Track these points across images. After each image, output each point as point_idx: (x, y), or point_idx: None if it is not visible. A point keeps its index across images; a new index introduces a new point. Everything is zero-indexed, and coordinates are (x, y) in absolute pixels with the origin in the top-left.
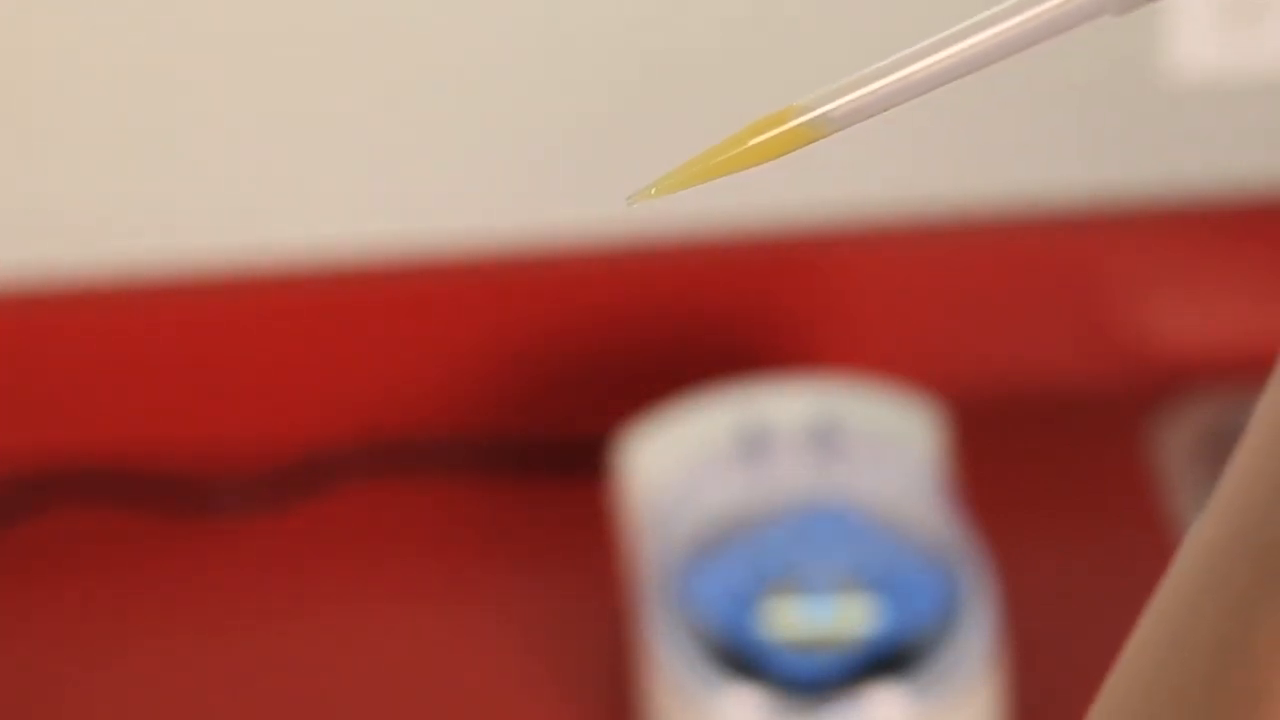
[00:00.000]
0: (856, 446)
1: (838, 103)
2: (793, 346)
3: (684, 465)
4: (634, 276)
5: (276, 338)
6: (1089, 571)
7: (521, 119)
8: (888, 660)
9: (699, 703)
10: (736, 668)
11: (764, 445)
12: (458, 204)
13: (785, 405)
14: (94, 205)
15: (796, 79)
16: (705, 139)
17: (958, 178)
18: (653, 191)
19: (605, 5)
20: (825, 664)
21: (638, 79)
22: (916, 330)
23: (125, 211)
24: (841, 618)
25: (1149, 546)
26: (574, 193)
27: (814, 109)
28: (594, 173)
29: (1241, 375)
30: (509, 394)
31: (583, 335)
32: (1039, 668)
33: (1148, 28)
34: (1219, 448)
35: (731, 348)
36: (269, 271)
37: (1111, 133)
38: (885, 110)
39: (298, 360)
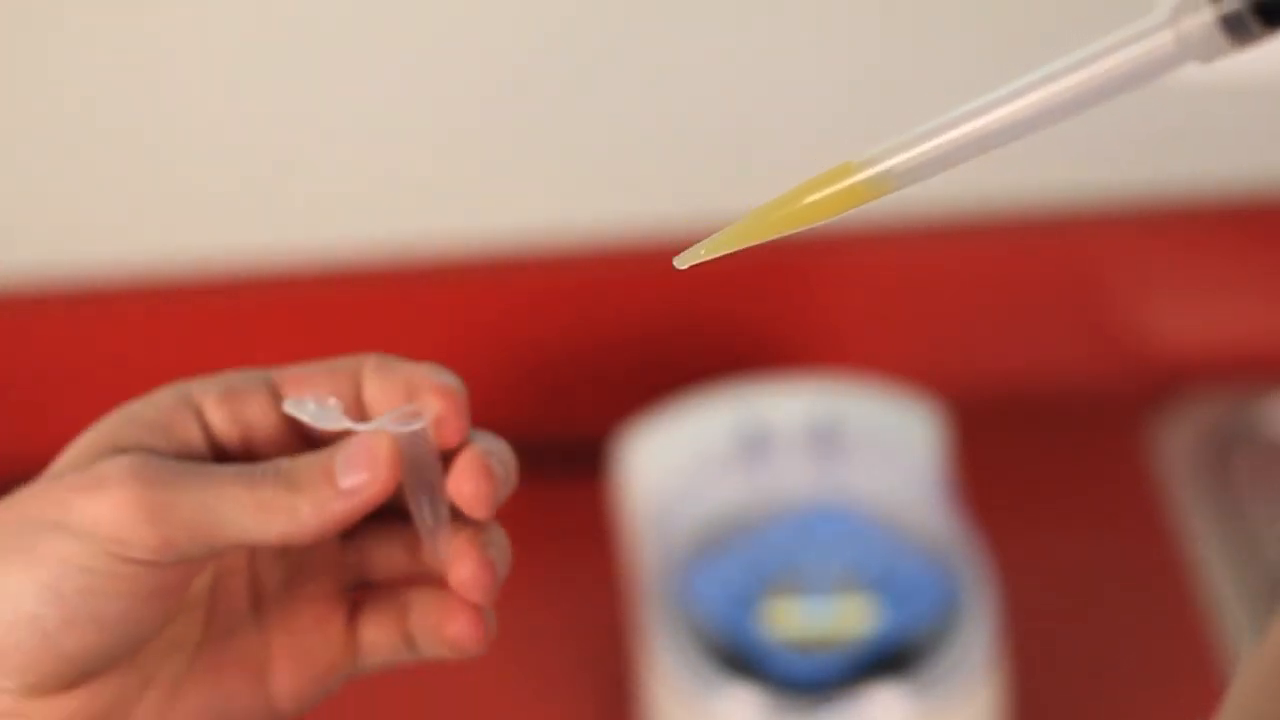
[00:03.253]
0: (856, 446)
1: (899, 159)
2: (793, 346)
3: (684, 465)
4: (634, 278)
5: (277, 338)
6: (1089, 572)
7: (522, 121)
8: (888, 660)
9: (699, 703)
10: (736, 668)
11: (764, 445)
12: (458, 205)
13: (785, 405)
14: (94, 205)
15: (801, 85)
16: (708, 140)
17: (957, 179)
18: (702, 252)
19: (610, 8)
20: (825, 664)
21: (642, 80)
22: (916, 330)
23: (125, 212)
24: (841, 618)
25: (1149, 546)
26: (574, 194)
27: (874, 165)
28: (594, 173)
29: (1241, 375)
30: (510, 394)
31: (583, 336)
32: (1039, 668)
33: None
34: (1219, 448)
35: (731, 348)
36: (269, 271)
37: (1112, 133)
38: (950, 167)
39: (297, 360)
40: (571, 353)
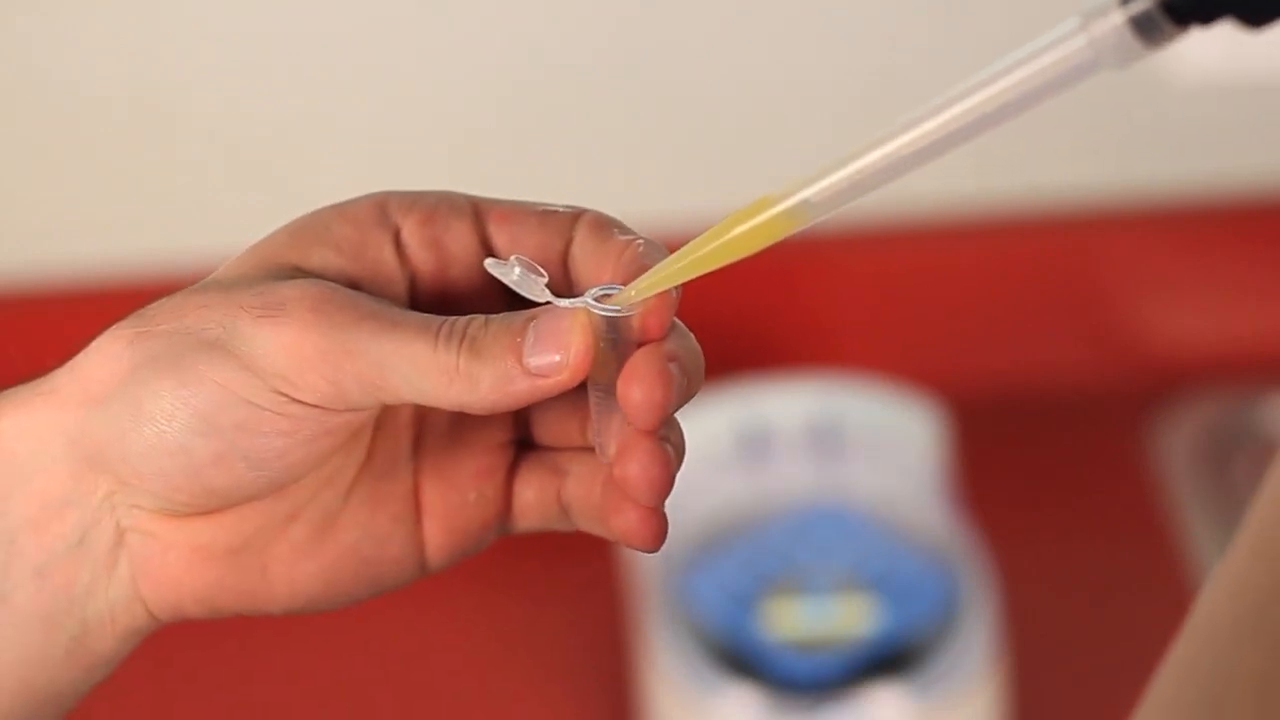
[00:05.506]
0: (856, 446)
1: (815, 189)
2: (793, 346)
3: (684, 465)
4: None
5: None
6: (1089, 571)
7: (523, 121)
8: (888, 660)
9: (699, 703)
10: (736, 668)
11: (764, 445)
12: None
13: (785, 405)
14: (94, 205)
15: (803, 84)
16: (709, 140)
17: (957, 178)
18: (632, 294)
19: (613, 7)
20: (825, 664)
21: (644, 79)
22: (916, 330)
23: (125, 211)
24: (841, 618)
25: (1149, 546)
26: (573, 194)
27: (790, 197)
28: (594, 173)
29: (1241, 375)
30: None
31: None
32: (1039, 667)
33: None
34: (1219, 448)
35: (731, 348)
36: None
37: (1111, 133)
38: (870, 191)
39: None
40: None
